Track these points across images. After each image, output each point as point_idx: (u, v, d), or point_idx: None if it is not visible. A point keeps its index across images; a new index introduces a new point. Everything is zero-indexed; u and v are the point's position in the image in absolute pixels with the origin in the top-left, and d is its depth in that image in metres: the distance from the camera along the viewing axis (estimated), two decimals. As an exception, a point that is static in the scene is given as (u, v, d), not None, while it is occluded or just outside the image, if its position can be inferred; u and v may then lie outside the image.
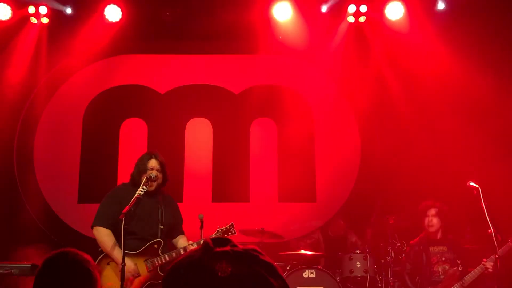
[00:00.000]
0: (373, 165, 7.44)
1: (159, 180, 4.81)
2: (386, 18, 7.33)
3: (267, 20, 7.41)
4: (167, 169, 4.91)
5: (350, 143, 7.70)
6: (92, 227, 4.75)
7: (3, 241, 6.68)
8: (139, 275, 4.59)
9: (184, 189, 7.51)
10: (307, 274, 5.88)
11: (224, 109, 7.79)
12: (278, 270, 1.13)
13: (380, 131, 7.44)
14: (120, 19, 7.30)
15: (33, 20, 7.31)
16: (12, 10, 7.18)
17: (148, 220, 4.75)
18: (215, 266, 1.07)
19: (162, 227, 4.79)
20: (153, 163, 4.81)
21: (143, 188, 4.57)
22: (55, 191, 7.50)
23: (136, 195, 4.48)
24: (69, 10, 7.34)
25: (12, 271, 4.61)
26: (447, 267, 5.61)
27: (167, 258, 4.62)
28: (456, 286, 5.35)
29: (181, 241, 4.91)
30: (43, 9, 7.20)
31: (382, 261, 5.93)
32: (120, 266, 4.26)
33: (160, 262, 4.63)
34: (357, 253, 6.05)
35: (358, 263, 5.96)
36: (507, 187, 6.23)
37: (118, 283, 4.25)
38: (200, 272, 1.08)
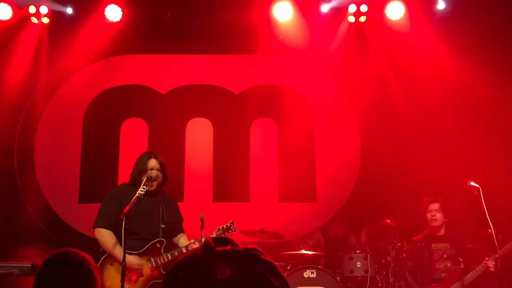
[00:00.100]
0: (373, 165, 7.44)
1: (160, 180, 4.82)
2: (387, 18, 7.32)
3: (267, 20, 7.41)
4: (166, 168, 4.92)
5: (350, 143, 7.70)
6: (93, 228, 4.76)
7: (4, 241, 6.68)
8: (142, 275, 4.61)
9: (184, 189, 7.51)
10: (307, 274, 5.87)
11: (224, 109, 7.79)
12: (278, 270, 1.13)
13: (380, 130, 7.44)
14: (121, 19, 7.30)
15: (34, 20, 7.31)
16: (13, 10, 7.18)
17: (150, 220, 4.76)
18: (215, 268, 1.07)
19: (163, 226, 4.80)
20: (153, 162, 4.82)
21: (143, 188, 4.58)
22: (56, 191, 7.50)
23: (136, 194, 4.49)
24: (69, 10, 7.35)
25: (13, 271, 4.61)
26: (449, 264, 5.60)
27: (170, 257, 4.65)
28: (457, 284, 5.34)
29: (182, 240, 4.93)
30: (43, 9, 7.20)
31: (383, 261, 5.93)
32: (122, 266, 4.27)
33: (162, 261, 4.66)
34: (358, 253, 6.04)
35: (358, 263, 5.96)
36: (507, 187, 6.23)
37: (119, 283, 4.26)
38: (199, 275, 1.08)
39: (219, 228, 4.81)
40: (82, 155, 7.59)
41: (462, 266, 5.49)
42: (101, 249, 4.70)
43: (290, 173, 7.49)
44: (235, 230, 4.83)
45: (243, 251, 1.12)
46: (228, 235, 4.74)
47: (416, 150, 7.07)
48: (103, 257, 4.66)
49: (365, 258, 5.96)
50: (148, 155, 4.89)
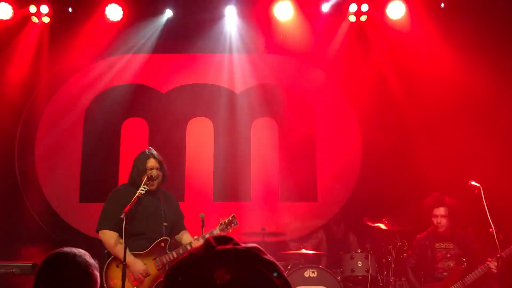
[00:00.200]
0: (374, 164, 7.43)
1: (160, 178, 4.83)
2: (388, 17, 7.32)
3: (268, 19, 7.40)
4: (165, 166, 4.92)
5: (351, 142, 7.69)
6: (97, 231, 4.76)
7: (5, 240, 6.69)
8: (149, 275, 4.63)
9: (185, 188, 7.51)
10: (308, 273, 5.87)
11: (225, 109, 7.78)
12: (280, 268, 1.13)
13: (381, 130, 7.42)
14: (121, 19, 7.30)
15: (34, 19, 7.31)
16: (13, 9, 7.18)
17: (153, 219, 4.78)
18: (214, 274, 1.06)
19: (166, 224, 4.82)
20: (152, 162, 4.82)
21: (144, 187, 4.58)
22: (57, 190, 7.50)
23: (137, 194, 4.49)
24: (70, 10, 7.34)
25: (13, 270, 4.62)
26: (451, 264, 5.58)
27: (175, 255, 4.67)
28: (458, 284, 5.33)
29: (186, 237, 4.95)
30: (44, 9, 7.20)
31: (384, 260, 5.92)
32: (128, 267, 4.33)
33: (168, 260, 4.68)
34: (359, 252, 6.04)
35: (359, 262, 5.95)
36: (508, 186, 6.22)
37: (125, 284, 4.28)
38: (199, 278, 1.08)
39: (221, 223, 4.83)
40: (82, 155, 7.59)
41: (464, 266, 5.47)
42: (106, 251, 4.70)
43: (291, 173, 7.49)
44: (237, 224, 4.85)
45: (244, 250, 1.12)
46: (231, 229, 4.77)
47: (417, 149, 7.06)
48: (109, 260, 4.66)
49: (366, 258, 5.95)
50: (147, 155, 4.87)
